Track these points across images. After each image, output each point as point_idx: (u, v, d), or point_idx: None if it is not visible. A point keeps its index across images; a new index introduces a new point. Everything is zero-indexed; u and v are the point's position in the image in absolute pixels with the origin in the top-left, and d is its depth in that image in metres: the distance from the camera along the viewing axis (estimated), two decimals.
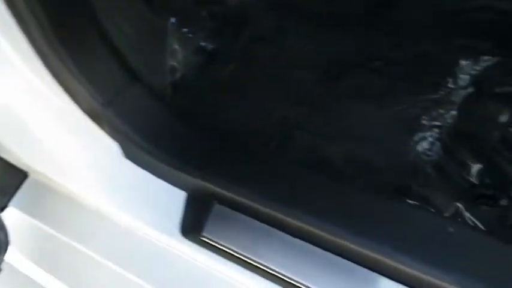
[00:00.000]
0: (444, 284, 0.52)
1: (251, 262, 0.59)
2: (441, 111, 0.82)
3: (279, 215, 0.56)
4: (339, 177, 0.75)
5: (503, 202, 0.68)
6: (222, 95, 0.90)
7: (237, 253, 0.60)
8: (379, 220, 0.56)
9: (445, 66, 0.87)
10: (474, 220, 0.67)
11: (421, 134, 0.79)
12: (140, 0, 0.92)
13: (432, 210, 0.69)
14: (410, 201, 0.70)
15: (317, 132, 0.81)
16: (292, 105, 0.85)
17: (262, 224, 0.60)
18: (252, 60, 0.96)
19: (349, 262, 0.57)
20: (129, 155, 0.69)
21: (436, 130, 0.79)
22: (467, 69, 0.86)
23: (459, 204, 0.69)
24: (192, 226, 0.64)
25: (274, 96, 0.87)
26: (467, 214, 0.68)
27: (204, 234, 0.63)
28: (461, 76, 0.86)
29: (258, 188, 0.59)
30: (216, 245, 0.61)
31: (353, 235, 0.55)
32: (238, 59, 0.96)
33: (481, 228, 0.66)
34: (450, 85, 0.85)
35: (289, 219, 0.56)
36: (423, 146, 0.78)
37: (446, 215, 0.68)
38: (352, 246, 0.54)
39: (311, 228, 0.54)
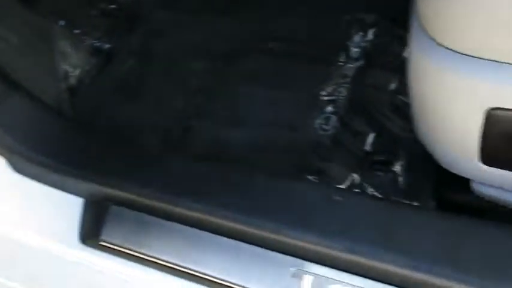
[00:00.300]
0: (335, 252, 0.53)
1: (151, 259, 0.58)
2: (336, 85, 0.84)
3: (170, 207, 0.56)
4: (242, 163, 0.75)
5: (396, 167, 0.71)
6: (120, 95, 0.88)
7: (137, 252, 0.59)
8: (266, 198, 0.57)
9: (337, 41, 0.90)
10: (370, 187, 0.70)
11: (318, 110, 0.81)
12: (22, 5, 0.88)
13: (330, 182, 0.71)
14: (310, 177, 0.72)
15: (217, 120, 0.81)
16: (190, 96, 0.85)
17: (159, 219, 0.60)
18: (149, 55, 0.94)
19: (246, 245, 0.58)
20: (18, 168, 0.66)
21: (332, 104, 0.82)
22: (357, 43, 0.89)
23: (355, 174, 0.71)
24: (90, 232, 0.63)
25: (172, 90, 0.87)
26: (363, 182, 0.70)
27: (103, 238, 0.61)
28: (353, 49, 0.89)
29: (148, 184, 0.59)
30: (115, 247, 0.60)
31: (246, 216, 0.56)
32: (136, 55, 0.95)
33: (370, 194, 0.68)
34: (343, 59, 0.87)
35: (179, 209, 0.56)
36: (321, 121, 0.79)
37: (343, 185, 0.71)
38: (246, 228, 0.55)
39: (201, 215, 0.55)
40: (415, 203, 0.66)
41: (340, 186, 0.69)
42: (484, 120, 0.50)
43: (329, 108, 0.81)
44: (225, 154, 0.78)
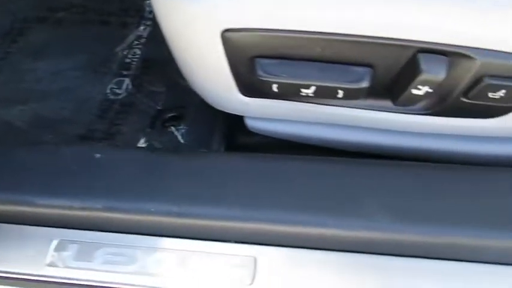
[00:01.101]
0: (94, 212, 0.48)
1: None
2: (130, 48, 0.79)
3: None
4: (24, 140, 0.67)
5: (186, 120, 0.68)
6: None
7: None
8: (23, 170, 0.51)
9: (129, 3, 0.84)
10: (158, 144, 0.65)
11: (111, 75, 0.75)
12: None
13: (120, 145, 0.66)
14: (98, 144, 0.66)
15: None
16: None
17: None
18: None
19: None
20: None
21: (126, 67, 0.76)
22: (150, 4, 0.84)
23: (147, 134, 0.67)
24: None
25: None
26: (153, 140, 0.66)
27: None
28: (147, 9, 0.84)
29: None
30: None
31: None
32: None
33: (143, 147, 0.64)
34: (137, 20, 0.82)
35: None
36: (113, 85, 0.74)
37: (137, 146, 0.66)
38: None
39: None
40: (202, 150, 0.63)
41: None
42: (222, 45, 0.47)
43: (123, 72, 0.76)
44: (10, 133, 0.70)
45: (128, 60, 0.77)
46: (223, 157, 0.54)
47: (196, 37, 0.48)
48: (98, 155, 0.51)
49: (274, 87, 0.47)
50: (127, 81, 0.74)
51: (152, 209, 0.48)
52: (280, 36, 0.45)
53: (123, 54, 0.78)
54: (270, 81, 0.47)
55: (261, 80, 0.47)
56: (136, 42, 0.80)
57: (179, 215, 0.48)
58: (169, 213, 0.48)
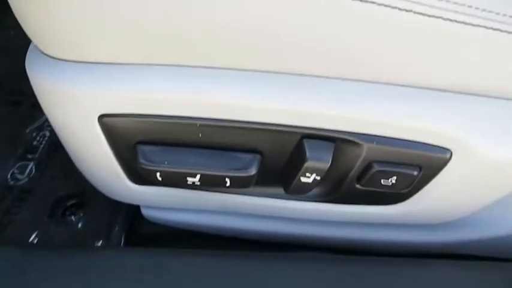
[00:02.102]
0: None
1: None
2: (39, 129, 0.75)
3: None
4: None
5: (85, 209, 0.63)
6: None
7: None
8: None
9: None
10: (56, 233, 0.60)
11: (14, 159, 0.70)
12: None
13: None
14: None
15: None
16: None
17: None
18: None
19: None
20: None
21: (33, 150, 0.72)
22: None
23: (44, 223, 0.61)
24: None
25: None
26: (52, 230, 0.60)
27: None
28: None
29: None
30: None
31: None
32: None
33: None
34: None
35: None
36: (15, 170, 0.69)
37: (32, 236, 0.60)
38: None
39: None
40: (100, 243, 0.57)
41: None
42: (102, 131, 0.44)
43: (28, 155, 0.71)
44: None
45: (35, 143, 0.73)
46: (102, 253, 0.49)
47: (76, 122, 0.45)
48: None
49: (158, 176, 0.44)
50: (31, 165, 0.70)
51: None
52: (159, 122, 0.42)
53: (31, 136, 0.74)
54: (152, 169, 0.43)
55: (144, 168, 0.44)
56: (47, 123, 0.76)
57: None
58: None
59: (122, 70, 0.41)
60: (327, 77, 0.40)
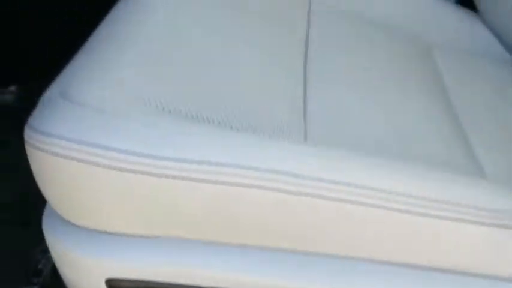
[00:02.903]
0: None
1: None
2: (44, 252, 0.80)
3: None
4: None
5: None
6: None
7: None
8: None
9: None
10: None
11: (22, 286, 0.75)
12: None
13: None
14: None
15: None
16: None
17: None
18: None
19: None
20: None
21: (38, 273, 0.77)
22: None
23: None
24: None
25: None
26: None
27: None
28: None
29: None
30: None
31: None
32: None
33: None
34: None
35: None
36: None
37: None
38: None
39: None
40: None
41: None
42: None
43: (33, 279, 0.76)
44: None
45: (40, 266, 0.78)
46: None
47: (84, 282, 0.51)
48: None
49: None
50: None
51: None
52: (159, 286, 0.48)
53: (37, 258, 0.79)
54: None
55: None
56: None
57: None
58: None
59: (127, 241, 0.48)
60: None
